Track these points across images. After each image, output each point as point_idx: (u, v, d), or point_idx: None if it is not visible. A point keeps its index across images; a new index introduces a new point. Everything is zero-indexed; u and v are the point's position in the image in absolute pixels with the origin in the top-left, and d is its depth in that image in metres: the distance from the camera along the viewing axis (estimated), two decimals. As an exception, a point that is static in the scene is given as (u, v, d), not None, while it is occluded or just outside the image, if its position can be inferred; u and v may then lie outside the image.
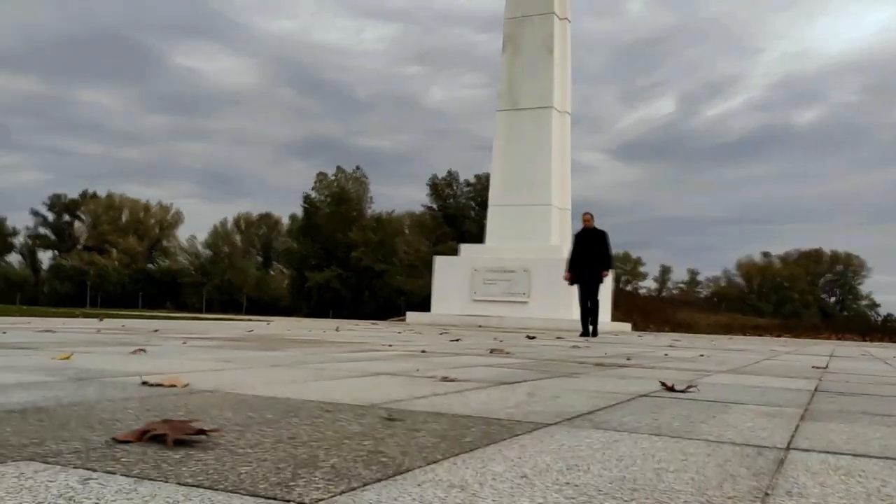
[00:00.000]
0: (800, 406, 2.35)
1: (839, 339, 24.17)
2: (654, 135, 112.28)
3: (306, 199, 58.02)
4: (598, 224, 11.82)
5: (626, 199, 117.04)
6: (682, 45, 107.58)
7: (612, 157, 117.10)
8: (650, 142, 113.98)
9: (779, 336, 24.87)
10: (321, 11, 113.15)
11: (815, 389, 3.02)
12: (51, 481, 0.99)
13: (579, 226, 11.98)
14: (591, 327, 11.46)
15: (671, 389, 2.67)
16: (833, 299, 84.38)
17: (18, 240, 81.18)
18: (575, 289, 11.89)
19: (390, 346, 5.37)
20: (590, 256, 11.50)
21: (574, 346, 6.67)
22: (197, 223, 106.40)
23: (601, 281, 11.69)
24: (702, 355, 5.92)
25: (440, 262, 20.43)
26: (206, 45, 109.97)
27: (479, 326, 16.23)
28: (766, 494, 1.10)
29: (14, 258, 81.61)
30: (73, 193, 79.84)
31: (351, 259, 53.48)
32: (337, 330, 9.41)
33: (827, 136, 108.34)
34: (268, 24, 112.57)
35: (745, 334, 26.30)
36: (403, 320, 20.85)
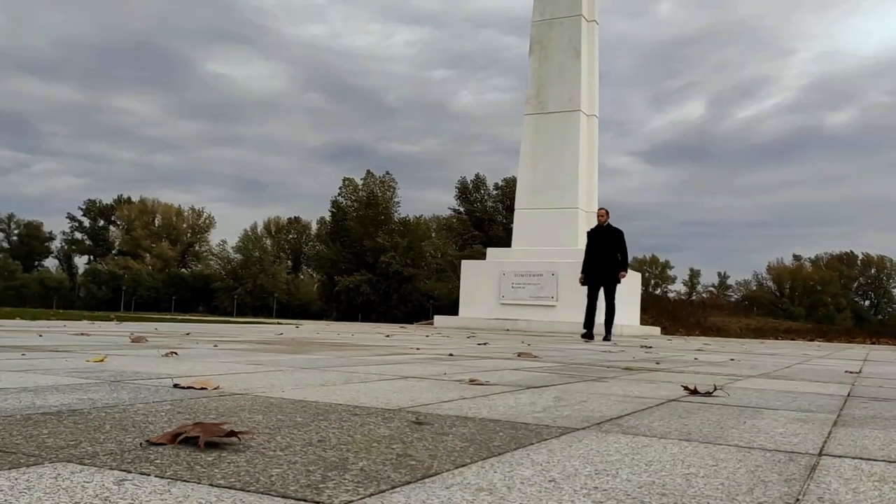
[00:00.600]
0: (832, 411, 2.32)
1: (873, 343, 23.76)
2: (683, 138, 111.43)
3: (334, 203, 58.35)
4: (620, 225, 11.12)
5: (655, 203, 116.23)
6: (713, 47, 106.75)
7: (641, 160, 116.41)
8: (680, 145, 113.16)
9: (811, 340, 24.52)
10: (351, 17, 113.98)
11: (849, 395, 2.97)
12: (87, 482, 1.01)
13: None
14: (605, 330, 10.77)
15: (694, 392, 2.65)
16: (867, 303, 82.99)
17: (55, 244, 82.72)
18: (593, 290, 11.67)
19: (418, 349, 5.38)
20: (604, 256, 10.77)
21: (605, 351, 6.63)
22: (228, 228, 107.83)
23: (618, 282, 10.94)
24: (732, 359, 5.86)
25: (468, 266, 20.43)
26: (237, 52, 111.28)
27: (507, 330, 16.19)
28: (798, 500, 1.09)
29: (51, 263, 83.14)
30: (108, 199, 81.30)
31: (380, 263, 53.66)
32: (370, 335, 9.44)
33: (860, 137, 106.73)
34: (298, 30, 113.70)
35: (776, 338, 25.97)
36: (431, 324, 20.87)
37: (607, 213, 11.04)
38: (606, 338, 10.64)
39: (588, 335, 10.69)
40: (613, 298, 10.80)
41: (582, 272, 11.05)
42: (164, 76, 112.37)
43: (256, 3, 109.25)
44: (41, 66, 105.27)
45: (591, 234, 11.12)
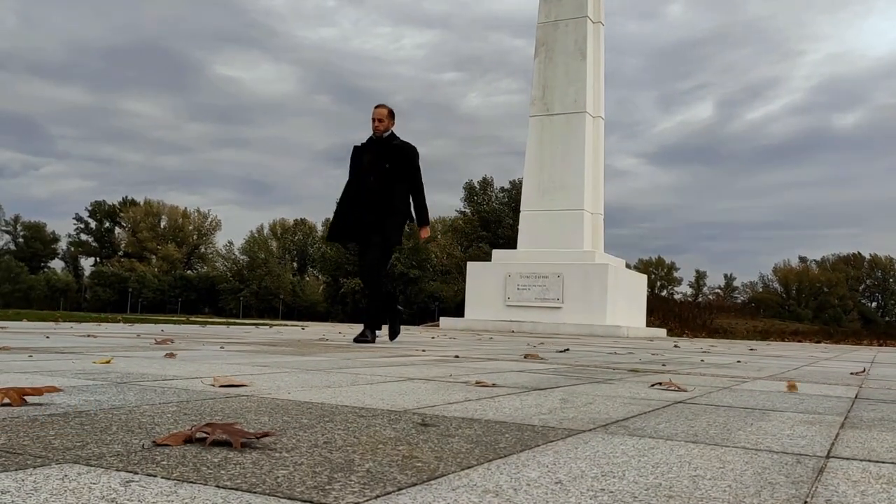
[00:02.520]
0: (840, 413, 2.31)
1: (881, 344, 23.68)
2: (691, 139, 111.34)
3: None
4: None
5: (662, 205, 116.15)
6: (722, 48, 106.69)
7: (649, 161, 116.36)
8: (688, 146, 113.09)
9: (818, 342, 24.45)
10: (361, 19, 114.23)
11: (856, 397, 2.96)
12: (93, 483, 1.01)
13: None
14: (367, 317, 6.79)
15: (665, 386, 2.64)
16: (874, 304, 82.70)
17: (61, 246, 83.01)
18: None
19: (424, 351, 5.38)
20: (377, 190, 6.45)
21: (611, 353, 6.62)
22: (236, 230, 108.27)
23: (396, 241, 6.63)
24: (739, 361, 5.84)
25: (473, 268, 20.43)
26: (246, 54, 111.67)
27: (512, 332, 16.19)
28: (806, 503, 1.08)
29: (57, 264, 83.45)
30: (115, 201, 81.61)
31: (384, 264, 53.66)
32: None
33: (869, 139, 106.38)
34: (308, 33, 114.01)
35: (783, 340, 25.89)
36: (437, 326, 20.87)
37: (390, 113, 6.63)
38: (392, 332, 6.94)
39: (365, 334, 6.60)
40: (378, 266, 6.50)
41: (334, 219, 6.77)
42: (173, 79, 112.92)
43: (267, 5, 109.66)
44: (51, 69, 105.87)
45: (358, 150, 6.70)
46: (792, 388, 3.15)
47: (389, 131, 6.68)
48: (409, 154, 6.65)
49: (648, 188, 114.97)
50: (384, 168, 6.53)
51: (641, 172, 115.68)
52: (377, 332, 6.76)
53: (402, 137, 6.72)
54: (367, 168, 6.57)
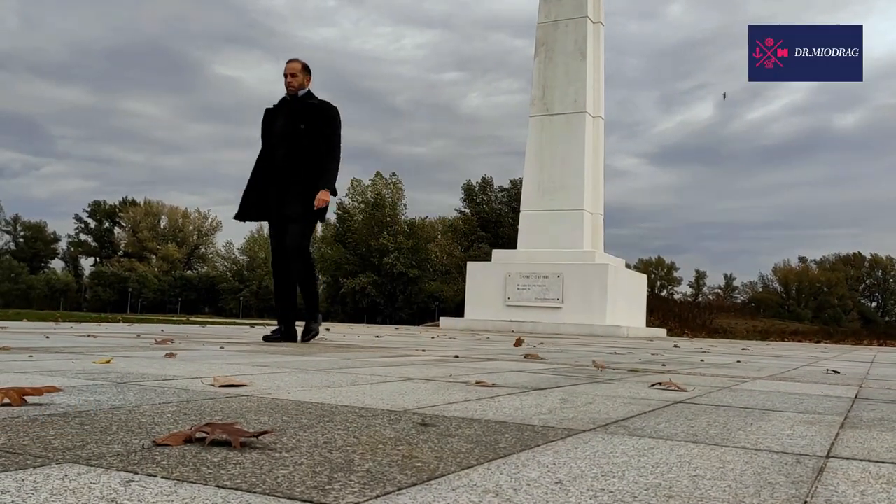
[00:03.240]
0: (840, 413, 2.31)
1: (881, 344, 23.68)
2: (692, 139, 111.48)
3: (340, 205, 58.41)
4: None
5: (662, 205, 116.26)
6: (723, 48, 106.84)
7: (649, 161, 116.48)
8: (688, 146, 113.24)
9: (818, 342, 24.45)
10: (362, 20, 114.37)
11: (856, 397, 2.96)
12: (94, 483, 1.01)
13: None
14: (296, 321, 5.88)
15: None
16: (874, 304, 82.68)
17: (61, 246, 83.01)
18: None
19: (423, 351, 5.38)
20: (291, 157, 5.69)
21: (611, 353, 6.62)
22: (237, 230, 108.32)
23: (309, 214, 5.71)
24: (738, 361, 5.84)
25: (473, 268, 20.43)
26: (246, 55, 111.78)
27: (512, 332, 16.20)
28: (805, 503, 1.08)
29: (57, 264, 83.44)
30: (115, 201, 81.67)
31: (384, 264, 53.70)
32: (376, 336, 9.45)
33: (869, 139, 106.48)
34: (309, 33, 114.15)
35: (783, 340, 25.90)
36: (437, 326, 20.87)
37: (305, 68, 5.88)
38: (307, 331, 5.90)
39: (280, 331, 5.86)
40: (299, 246, 5.69)
41: (243, 195, 5.85)
42: (174, 79, 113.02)
43: (267, 5, 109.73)
44: (52, 70, 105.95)
45: (270, 113, 5.95)
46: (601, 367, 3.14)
47: (306, 89, 5.90)
48: (327, 113, 5.82)
49: (648, 188, 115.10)
50: (299, 130, 5.73)
51: (641, 172, 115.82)
52: (315, 325, 5.97)
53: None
54: (279, 133, 5.79)
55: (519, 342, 5.24)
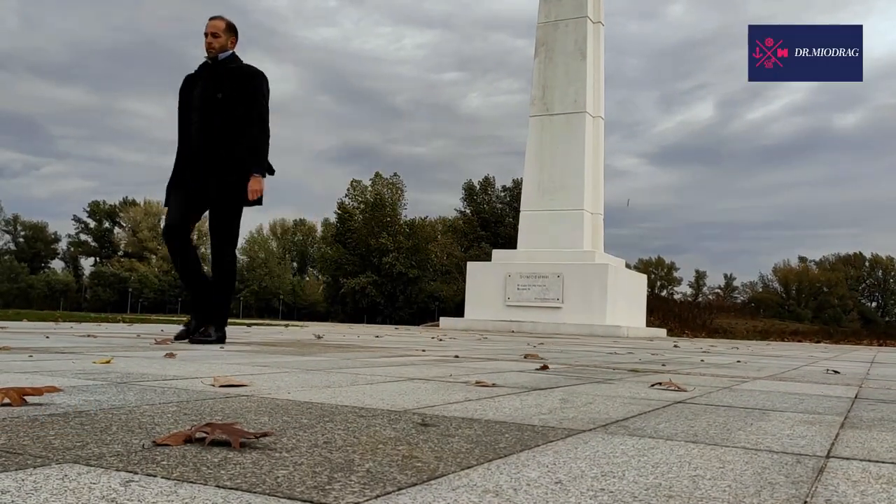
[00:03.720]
0: (840, 413, 2.31)
1: (881, 344, 23.68)
2: (692, 140, 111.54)
3: (340, 205, 58.42)
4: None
5: (662, 205, 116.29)
6: (723, 48, 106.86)
7: (649, 161, 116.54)
8: (688, 147, 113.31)
9: (818, 342, 24.45)
10: (362, 20, 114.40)
11: (856, 396, 2.96)
12: (94, 483, 1.01)
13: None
14: (209, 314, 5.04)
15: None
16: (874, 304, 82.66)
17: (61, 246, 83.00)
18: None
19: (423, 351, 5.38)
20: (209, 133, 4.95)
21: (611, 353, 6.62)
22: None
23: (239, 201, 5.01)
24: (739, 361, 5.84)
25: (473, 268, 20.43)
26: (248, 55, 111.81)
27: (512, 332, 16.19)
28: (805, 503, 1.08)
29: (57, 264, 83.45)
30: (115, 201, 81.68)
31: (384, 264, 53.69)
32: (376, 336, 9.45)
33: (869, 139, 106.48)
34: (310, 33, 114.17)
35: (783, 340, 25.90)
36: (437, 326, 20.87)
37: (229, 27, 5.12)
38: (206, 333, 5.00)
39: (189, 329, 5.13)
40: (227, 241, 5.06)
41: (172, 176, 5.11)
42: (174, 79, 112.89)
43: (269, 5, 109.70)
44: (52, 69, 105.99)
45: (188, 81, 5.19)
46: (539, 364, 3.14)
47: (229, 52, 5.09)
48: (251, 79, 5.03)
49: (648, 188, 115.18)
50: (216, 100, 4.94)
51: (641, 172, 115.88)
52: (215, 330, 5.04)
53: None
54: (195, 104, 5.01)
55: (529, 357, 5.23)
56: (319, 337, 7.72)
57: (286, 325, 16.37)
